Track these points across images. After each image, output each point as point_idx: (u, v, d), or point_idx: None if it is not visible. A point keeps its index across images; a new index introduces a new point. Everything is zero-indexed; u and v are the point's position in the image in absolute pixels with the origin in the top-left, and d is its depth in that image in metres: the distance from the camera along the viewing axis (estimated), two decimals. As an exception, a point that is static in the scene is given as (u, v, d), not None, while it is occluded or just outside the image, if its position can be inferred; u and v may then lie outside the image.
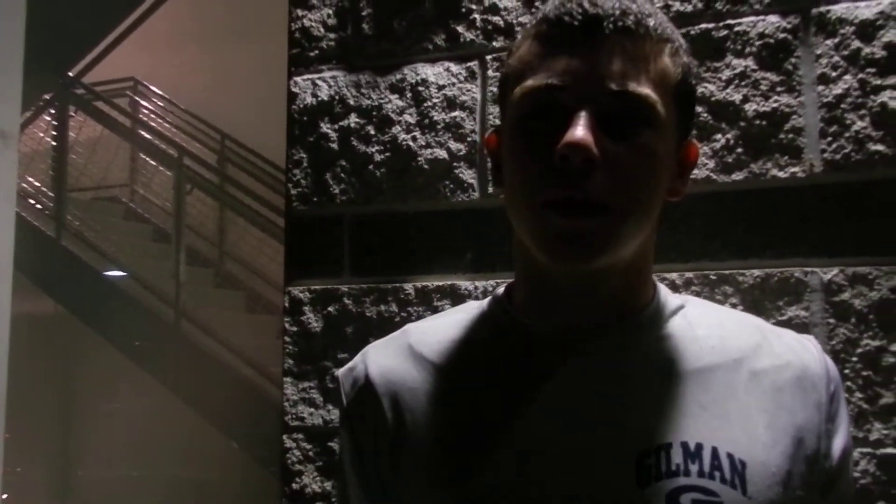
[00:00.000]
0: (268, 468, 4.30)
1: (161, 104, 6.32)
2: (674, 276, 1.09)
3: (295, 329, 1.29)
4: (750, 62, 1.08)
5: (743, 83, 1.08)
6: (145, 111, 6.21)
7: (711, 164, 1.09)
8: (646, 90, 0.66)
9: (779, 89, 1.07)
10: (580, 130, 0.64)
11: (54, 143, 5.47)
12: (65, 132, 5.40)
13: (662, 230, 1.12)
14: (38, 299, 5.27)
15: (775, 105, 1.07)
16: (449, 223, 1.22)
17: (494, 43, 1.21)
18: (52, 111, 5.50)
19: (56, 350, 5.78)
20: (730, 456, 0.66)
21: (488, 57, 1.21)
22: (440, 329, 0.79)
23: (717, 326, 0.74)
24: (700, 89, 1.09)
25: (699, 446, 0.67)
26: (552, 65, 0.67)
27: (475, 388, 0.73)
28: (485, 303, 0.80)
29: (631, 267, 0.71)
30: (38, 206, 5.49)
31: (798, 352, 0.73)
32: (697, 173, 1.09)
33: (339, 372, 0.82)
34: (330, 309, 1.27)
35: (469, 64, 1.22)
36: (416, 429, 0.73)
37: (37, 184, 5.57)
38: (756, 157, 1.07)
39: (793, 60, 1.07)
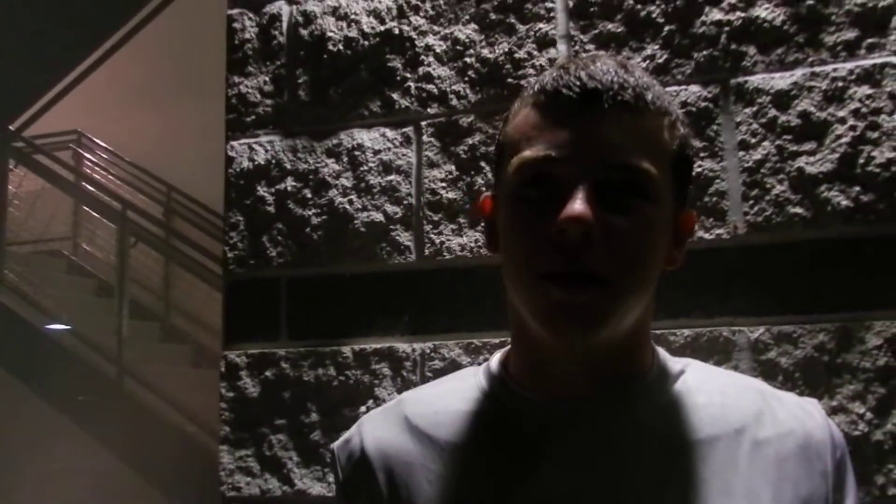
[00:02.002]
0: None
1: (105, 157, 6.24)
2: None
3: (231, 395, 1.27)
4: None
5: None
6: (89, 164, 6.12)
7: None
8: (644, 164, 0.66)
9: (702, 154, 1.11)
10: (579, 204, 0.63)
11: (-7, 197, 5.34)
12: (4, 185, 5.28)
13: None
14: (-28, 358, 5.08)
15: (699, 169, 1.10)
16: (386, 285, 1.22)
17: (429, 109, 1.23)
18: (-9, 164, 5.38)
19: (-9, 410, 5.56)
20: None
21: (423, 122, 1.23)
22: (436, 399, 0.78)
23: (717, 393, 0.73)
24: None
25: None
26: (550, 136, 0.67)
27: (471, 464, 0.72)
28: (480, 371, 0.79)
29: (630, 336, 0.70)
30: (-26, 260, 5.33)
31: (801, 418, 0.71)
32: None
33: (335, 445, 0.80)
34: (267, 374, 1.25)
35: (404, 129, 1.24)
36: None
37: (-27, 238, 5.42)
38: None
39: (714, 127, 1.11)
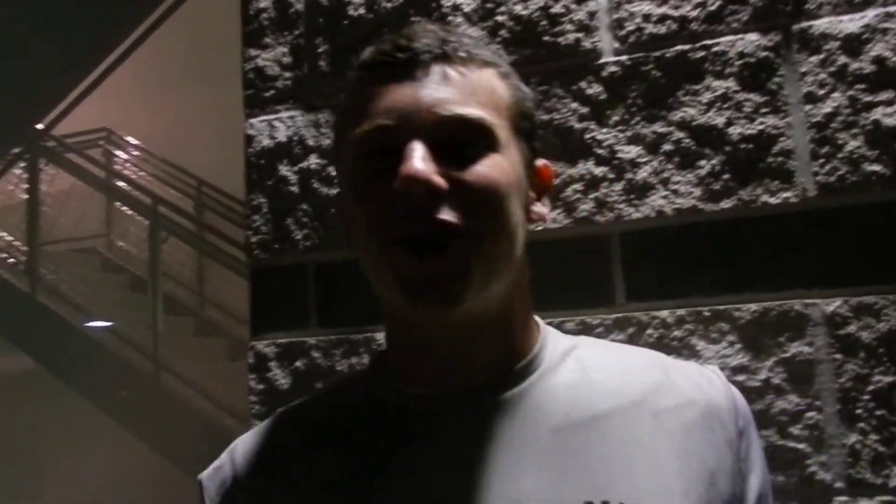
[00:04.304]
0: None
1: (136, 153, 6.24)
2: (664, 314, 1.01)
3: (261, 387, 1.20)
4: (731, 83, 1.02)
5: (725, 106, 1.01)
6: (119, 161, 6.13)
7: (697, 192, 1.01)
8: (478, 112, 0.64)
9: (763, 110, 1.00)
10: (415, 162, 0.61)
11: (26, 197, 5.37)
12: (36, 185, 5.30)
13: (645, 265, 1.05)
14: (12, 356, 5.12)
15: (761, 127, 1.00)
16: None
17: (460, 74, 1.14)
18: (23, 164, 5.41)
19: (31, 407, 5.60)
20: None
21: (454, 89, 1.14)
22: (314, 408, 0.75)
23: (613, 367, 0.70)
24: (680, 113, 1.03)
25: None
26: (378, 106, 0.65)
27: (352, 470, 0.67)
28: (362, 373, 0.75)
29: (504, 312, 0.67)
30: (11, 260, 5.37)
31: (702, 387, 0.69)
32: (682, 203, 1.01)
33: (203, 475, 0.73)
34: (297, 364, 1.18)
35: (434, 97, 1.15)
36: None
37: (9, 238, 5.46)
38: (744, 183, 1.00)
39: (776, 80, 1.00)
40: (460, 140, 0.64)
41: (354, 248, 0.69)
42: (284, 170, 1.21)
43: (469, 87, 0.65)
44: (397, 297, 0.63)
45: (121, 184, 5.76)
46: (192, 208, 5.84)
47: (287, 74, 1.22)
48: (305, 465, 0.69)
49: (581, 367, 0.70)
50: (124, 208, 5.86)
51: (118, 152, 6.22)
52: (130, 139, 6.22)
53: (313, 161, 1.20)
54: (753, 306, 0.98)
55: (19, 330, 4.98)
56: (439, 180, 0.61)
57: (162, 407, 4.69)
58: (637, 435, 0.65)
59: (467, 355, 0.67)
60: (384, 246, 0.63)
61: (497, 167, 0.64)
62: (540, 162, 0.72)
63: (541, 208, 0.72)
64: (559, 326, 1.04)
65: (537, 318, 0.74)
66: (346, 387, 0.77)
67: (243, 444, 0.74)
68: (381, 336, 1.14)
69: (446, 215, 0.61)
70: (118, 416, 4.88)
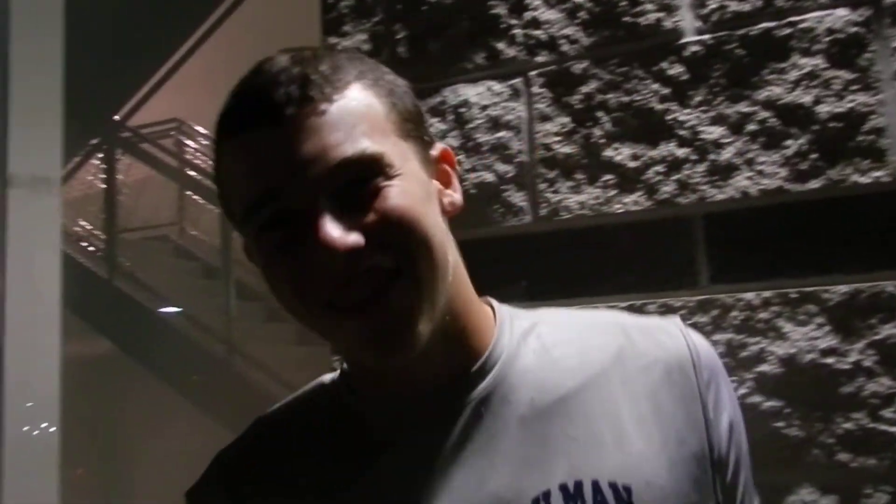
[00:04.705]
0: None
1: (205, 142, 6.40)
2: (749, 295, 1.00)
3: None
4: (819, 60, 0.99)
5: (813, 84, 0.99)
6: (190, 150, 6.29)
7: (783, 172, 1.00)
8: (360, 147, 0.59)
9: (853, 88, 0.98)
10: (325, 231, 0.57)
11: (104, 186, 5.57)
12: (113, 175, 5.49)
13: (730, 246, 1.04)
14: (93, 340, 5.33)
15: (851, 105, 0.98)
16: (500, 249, 1.14)
17: (538, 58, 1.14)
18: (100, 155, 5.61)
19: (109, 389, 5.83)
20: (612, 486, 0.61)
21: (532, 73, 1.14)
22: (288, 415, 0.73)
23: (573, 342, 0.69)
24: (766, 92, 1.01)
25: (578, 484, 0.61)
26: (254, 170, 0.60)
27: (322, 476, 0.67)
28: (331, 377, 0.73)
29: (451, 316, 0.64)
30: (91, 248, 5.59)
31: (664, 343, 0.68)
32: (768, 183, 1.00)
33: (189, 491, 0.73)
34: (378, 346, 1.20)
35: (512, 81, 1.16)
36: None
37: (88, 226, 5.68)
38: (833, 163, 0.98)
39: (867, 56, 0.98)
40: (354, 179, 0.60)
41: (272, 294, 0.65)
42: (365, 155, 1.23)
43: (342, 120, 0.60)
44: (344, 351, 0.63)
45: (192, 173, 5.92)
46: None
47: (366, 62, 1.24)
48: (286, 472, 0.69)
49: (542, 346, 0.68)
50: (195, 197, 6.03)
51: (188, 142, 6.39)
52: (200, 129, 6.39)
53: (393, 146, 1.22)
54: (843, 287, 0.96)
55: (99, 315, 5.18)
56: (356, 238, 0.58)
57: (234, 389, 4.82)
58: (604, 408, 0.64)
59: (425, 367, 0.64)
60: (317, 316, 0.61)
61: (401, 194, 0.60)
62: (435, 150, 0.68)
63: (453, 196, 0.68)
64: (641, 309, 1.04)
65: (491, 301, 0.72)
66: (320, 393, 0.74)
67: (227, 455, 0.73)
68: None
69: (374, 261, 0.59)
70: (192, 397, 5.05)
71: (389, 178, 0.60)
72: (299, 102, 0.59)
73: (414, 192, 0.62)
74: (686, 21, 1.06)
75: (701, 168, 1.04)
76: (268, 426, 0.74)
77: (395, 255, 0.60)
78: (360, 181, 0.60)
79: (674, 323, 0.71)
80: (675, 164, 1.05)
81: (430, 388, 0.65)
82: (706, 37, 1.04)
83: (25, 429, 1.84)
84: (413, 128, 0.65)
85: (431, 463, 0.63)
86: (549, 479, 0.61)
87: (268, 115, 0.59)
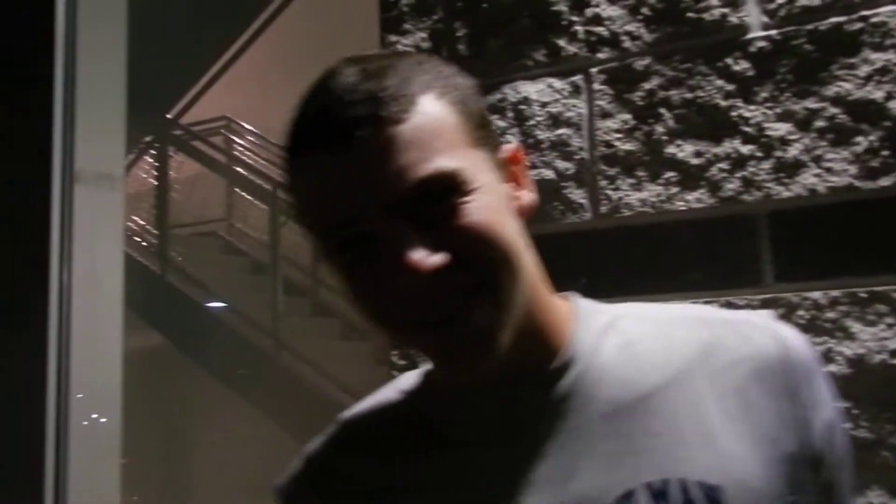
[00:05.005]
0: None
1: (253, 140, 6.49)
2: (816, 294, 0.99)
3: (403, 363, 1.24)
4: (892, 55, 0.97)
5: (885, 79, 0.98)
6: (238, 148, 6.39)
7: (853, 169, 0.98)
8: (439, 165, 0.58)
9: (925, 82, 0.96)
10: (405, 255, 0.57)
11: (156, 183, 5.69)
12: (166, 172, 5.61)
13: (796, 245, 1.03)
14: (145, 333, 5.45)
15: (922, 99, 0.96)
16: (560, 246, 1.14)
17: (599, 54, 1.14)
18: (153, 152, 5.73)
19: (161, 381, 5.96)
20: (701, 485, 0.59)
21: (593, 69, 1.14)
22: (373, 414, 0.73)
23: (656, 337, 0.67)
24: (835, 88, 0.99)
25: (665, 483, 0.59)
26: (330, 195, 0.60)
27: (423, 480, 0.67)
28: (414, 375, 0.73)
29: (528, 318, 0.64)
30: (144, 243, 5.71)
31: (752, 339, 0.65)
32: (837, 181, 0.98)
33: (278, 484, 0.74)
34: (437, 341, 1.22)
35: (573, 78, 1.16)
36: None
37: (141, 222, 5.80)
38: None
39: (940, 49, 0.96)
40: (431, 197, 0.59)
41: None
42: (425, 152, 1.24)
43: (414, 138, 0.59)
44: (426, 358, 0.64)
45: (239, 170, 6.01)
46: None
47: (427, 59, 1.26)
48: (370, 472, 0.70)
49: (624, 341, 0.67)
50: (243, 193, 6.12)
51: (237, 139, 6.49)
52: (249, 126, 6.48)
53: (453, 143, 1.23)
54: (916, 287, 0.94)
55: (151, 309, 5.30)
56: (438, 259, 0.58)
57: (281, 383, 4.89)
58: (689, 406, 0.62)
59: (505, 366, 0.63)
60: (398, 329, 0.62)
61: (478, 210, 0.59)
62: (503, 152, 0.66)
63: (526, 196, 0.67)
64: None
65: (570, 297, 0.72)
66: (400, 393, 0.74)
67: (312, 454, 0.74)
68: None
69: (456, 279, 0.59)
70: (240, 391, 5.13)
71: (465, 193, 0.60)
72: (370, 123, 0.58)
73: (490, 205, 0.61)
74: (752, 16, 1.05)
75: (766, 165, 1.02)
76: (352, 426, 0.74)
77: (477, 272, 0.60)
78: (437, 199, 0.59)
79: (763, 317, 0.70)
80: (739, 162, 1.04)
81: (510, 386, 0.65)
82: (773, 32, 1.03)
83: (90, 418, 1.89)
84: (483, 135, 0.64)
85: (514, 461, 0.63)
86: (634, 478, 0.60)
87: (338, 137, 0.59)
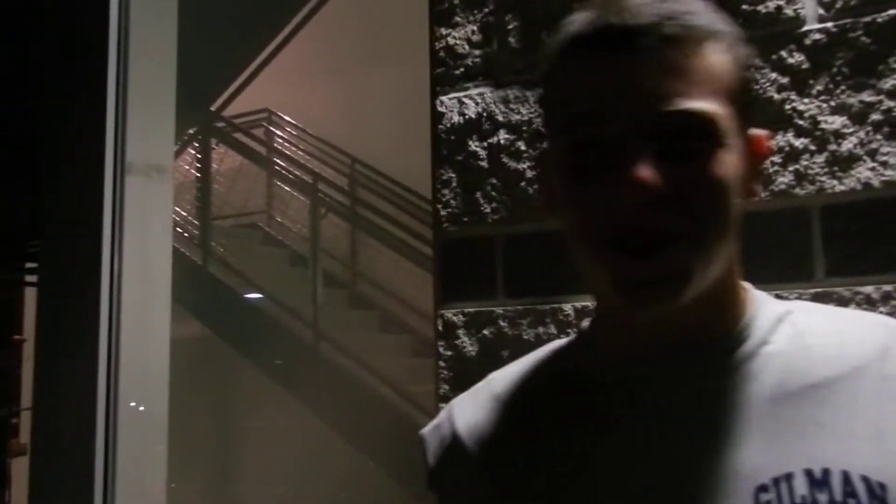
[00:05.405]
0: (406, 486, 4.33)
1: (294, 133, 6.56)
2: (868, 289, 0.98)
3: (449, 353, 1.26)
4: (951, 47, 0.96)
5: (944, 71, 0.96)
6: (279, 140, 6.47)
7: (910, 163, 0.97)
8: (702, 105, 0.60)
9: None
10: (638, 168, 0.58)
11: (198, 175, 5.78)
12: (208, 164, 5.70)
13: (849, 239, 1.02)
14: (188, 323, 5.55)
15: (984, 93, 0.94)
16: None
17: (650, 47, 1.14)
18: (196, 144, 5.82)
19: (203, 370, 6.07)
20: (865, 480, 0.58)
21: (644, 62, 1.14)
22: (525, 376, 0.75)
23: (831, 332, 0.66)
24: (892, 81, 0.98)
25: (826, 472, 0.58)
26: (593, 88, 0.61)
27: (575, 443, 0.67)
28: (567, 342, 0.75)
29: (715, 287, 0.64)
30: (186, 234, 5.81)
31: None
32: (892, 175, 0.97)
33: (424, 431, 0.77)
34: (485, 332, 1.23)
35: (623, 71, 1.16)
36: (508, 487, 0.68)
37: (184, 213, 5.90)
38: (964, 154, 0.95)
39: None
40: (683, 133, 0.60)
41: (551, 215, 0.68)
42: (474, 145, 1.25)
43: (692, 72, 0.60)
44: (611, 296, 0.63)
45: (280, 162, 6.08)
46: (346, 186, 6.09)
47: (476, 52, 1.26)
48: (518, 438, 0.70)
49: (796, 332, 0.66)
50: (284, 186, 6.19)
51: (278, 132, 6.56)
52: (289, 119, 6.55)
53: (502, 136, 1.23)
54: (973, 283, 0.93)
55: (194, 299, 5.39)
56: (664, 187, 0.59)
57: (320, 373, 4.95)
58: (860, 402, 0.61)
59: (678, 329, 0.65)
60: (597, 248, 0.62)
61: (723, 166, 0.61)
62: (755, 132, 0.67)
63: (756, 186, 0.68)
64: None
65: (747, 285, 0.72)
66: (555, 357, 0.76)
67: (460, 406, 0.76)
68: (567, 306, 1.17)
69: (667, 223, 0.60)
70: (281, 381, 5.21)
71: (716, 145, 0.60)
72: (659, 38, 0.59)
73: (733, 168, 0.62)
74: (808, 9, 1.04)
75: (820, 159, 1.02)
76: (500, 387, 0.75)
77: (695, 219, 0.60)
78: (689, 136, 0.60)
79: None
80: (792, 155, 1.03)
81: (676, 352, 0.65)
82: (829, 24, 1.02)
83: (139, 406, 1.93)
84: (746, 103, 0.65)
85: (670, 430, 0.63)
86: (791, 462, 0.60)
87: (625, 40, 0.60)
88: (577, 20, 0.64)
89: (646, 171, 0.58)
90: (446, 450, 0.75)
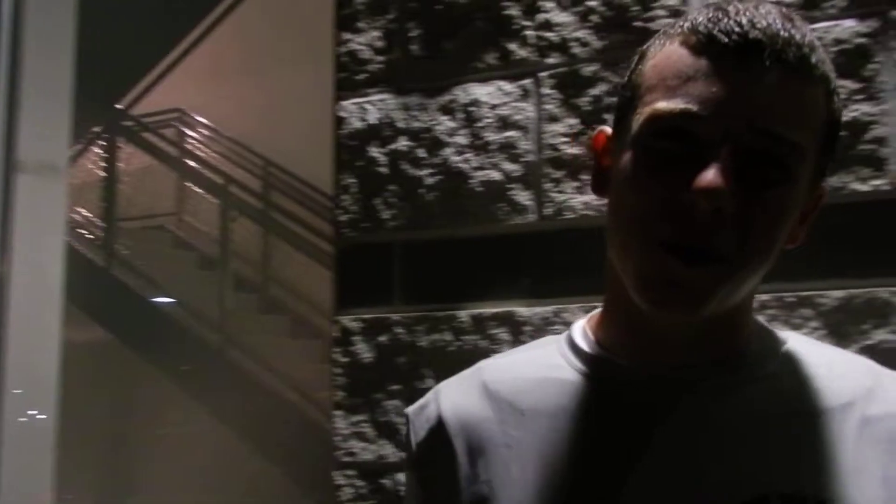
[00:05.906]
0: (311, 495, 4.28)
1: (207, 133, 6.40)
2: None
3: (345, 360, 1.25)
4: (824, 70, 1.01)
5: (818, 93, 1.01)
6: (191, 141, 6.29)
7: (786, 179, 1.02)
8: (796, 136, 0.60)
9: (858, 97, 1.00)
10: (714, 174, 0.58)
11: (104, 175, 5.57)
12: (114, 163, 5.50)
13: None
14: (88, 328, 5.34)
15: (854, 114, 1.00)
16: (504, 247, 1.16)
17: (548, 59, 1.16)
18: (102, 143, 5.61)
19: (104, 377, 5.84)
20: None
21: (542, 74, 1.16)
22: (516, 366, 0.74)
23: (824, 366, 0.67)
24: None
25: (802, 500, 0.60)
26: (694, 88, 0.60)
27: (561, 438, 0.67)
28: (561, 339, 0.74)
29: (731, 309, 0.65)
30: (90, 236, 5.59)
31: None
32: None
33: (409, 410, 0.77)
34: (381, 339, 1.22)
35: (522, 82, 1.17)
36: (495, 478, 0.68)
37: (87, 214, 5.67)
38: (834, 170, 1.00)
39: (872, 66, 1.00)
40: (766, 158, 0.59)
41: (602, 195, 0.68)
42: (374, 151, 1.25)
43: (797, 101, 0.60)
44: (640, 295, 0.63)
45: (191, 163, 5.92)
46: (259, 188, 5.97)
47: (379, 58, 1.26)
48: (504, 427, 0.70)
49: (792, 361, 0.68)
50: (194, 187, 6.02)
51: (189, 133, 6.39)
52: (202, 119, 6.38)
53: (402, 143, 1.23)
54: (838, 293, 0.98)
55: (96, 303, 5.19)
56: (731, 204, 0.58)
57: (228, 379, 4.83)
58: (843, 437, 0.63)
59: (691, 340, 0.65)
60: (648, 243, 0.61)
61: (789, 202, 0.61)
62: (823, 182, 0.67)
63: (801, 231, 0.67)
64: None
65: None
66: (549, 352, 0.74)
67: (447, 389, 0.75)
68: (463, 314, 1.17)
69: (723, 242, 0.59)
70: (187, 387, 5.06)
71: (792, 181, 0.61)
72: (776, 58, 0.59)
73: (794, 209, 0.62)
74: (695, 28, 1.08)
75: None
76: (494, 373, 0.74)
77: (741, 250, 0.60)
78: (772, 163, 0.60)
79: None
80: (679, 168, 1.07)
81: (675, 366, 0.66)
82: (714, 44, 1.06)
83: (24, 414, 1.84)
84: (831, 153, 0.65)
85: (658, 440, 0.64)
86: (768, 485, 0.61)
87: (743, 51, 0.59)
88: (702, 14, 0.62)
89: (719, 179, 0.58)
90: (430, 431, 0.74)
